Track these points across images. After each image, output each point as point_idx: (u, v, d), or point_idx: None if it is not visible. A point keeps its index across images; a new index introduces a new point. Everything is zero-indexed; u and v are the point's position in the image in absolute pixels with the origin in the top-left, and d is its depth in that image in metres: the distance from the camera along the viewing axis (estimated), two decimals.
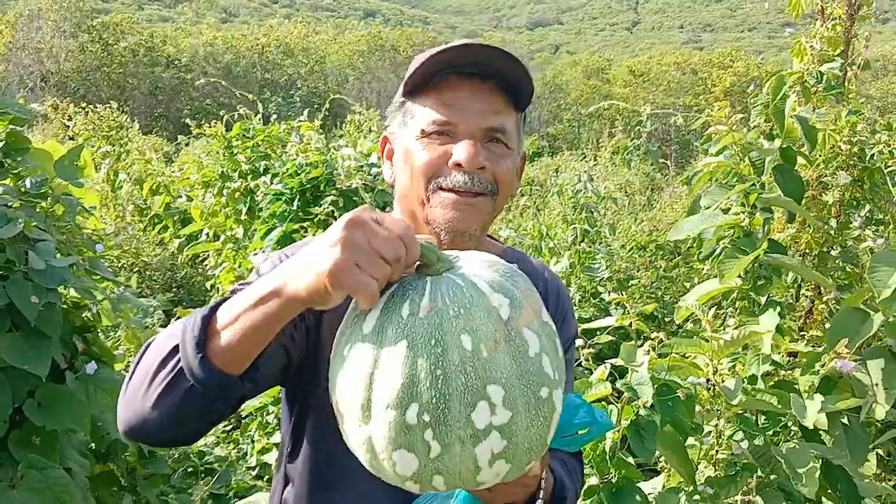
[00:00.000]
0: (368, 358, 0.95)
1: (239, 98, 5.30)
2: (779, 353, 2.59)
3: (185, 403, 1.03)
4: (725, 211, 2.64)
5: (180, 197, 7.48)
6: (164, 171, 8.17)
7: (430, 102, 1.30)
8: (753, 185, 2.56)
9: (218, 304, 1.06)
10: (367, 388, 0.94)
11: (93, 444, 2.56)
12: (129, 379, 1.09)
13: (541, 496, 1.23)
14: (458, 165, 1.27)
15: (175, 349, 1.04)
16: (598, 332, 2.44)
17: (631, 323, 2.30)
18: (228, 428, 4.24)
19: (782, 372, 2.57)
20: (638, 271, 5.66)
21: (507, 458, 0.95)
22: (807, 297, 4.08)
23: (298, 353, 1.26)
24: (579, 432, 1.15)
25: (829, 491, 2.25)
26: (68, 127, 9.90)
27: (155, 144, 14.84)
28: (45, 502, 2.06)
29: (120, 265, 6.65)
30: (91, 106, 9.87)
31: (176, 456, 3.61)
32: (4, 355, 2.06)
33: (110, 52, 26.23)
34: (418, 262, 1.00)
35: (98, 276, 2.57)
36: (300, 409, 1.36)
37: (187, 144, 13.35)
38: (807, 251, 4.13)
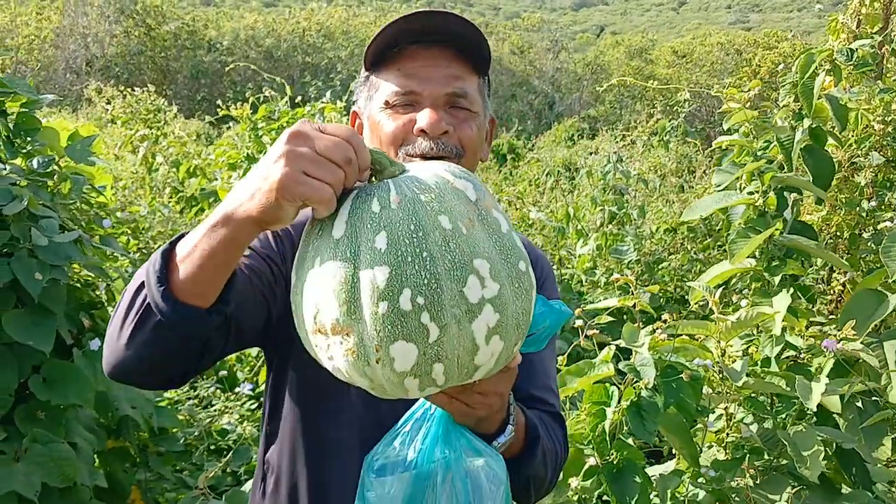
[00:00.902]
0: (347, 260, 0.93)
1: (278, 81, 5.31)
2: (799, 335, 2.53)
3: (157, 340, 1.03)
4: (741, 191, 2.57)
5: (216, 180, 7.54)
6: (200, 153, 8.25)
7: (391, 74, 1.33)
8: (768, 164, 2.48)
9: (179, 238, 1.06)
10: (352, 289, 0.92)
11: (103, 421, 2.59)
12: (110, 321, 1.10)
13: (511, 421, 1.24)
14: (423, 132, 1.29)
15: (142, 286, 1.05)
16: (600, 313, 2.41)
17: (635, 304, 2.26)
18: (253, 406, 4.28)
19: (803, 354, 2.51)
20: (668, 254, 5.57)
21: (500, 333, 0.95)
22: (838, 280, 3.98)
23: (279, 308, 1.26)
24: (539, 329, 1.13)
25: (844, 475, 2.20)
26: (108, 110, 10.04)
27: (198, 128, 15.01)
28: (49, 476, 2.09)
29: (156, 246, 6.74)
30: (129, 90, 10.00)
31: (196, 433, 3.65)
32: (10, 331, 2.09)
33: (153, 37, 26.55)
34: (371, 171, 1.00)
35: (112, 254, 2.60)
36: (279, 366, 1.38)
37: (228, 128, 13.49)
38: (838, 234, 4.03)
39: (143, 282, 1.04)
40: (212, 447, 3.79)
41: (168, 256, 1.04)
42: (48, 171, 2.35)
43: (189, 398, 4.17)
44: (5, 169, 2.26)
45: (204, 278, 1.02)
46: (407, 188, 0.97)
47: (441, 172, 1.01)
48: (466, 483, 1.15)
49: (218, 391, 4.22)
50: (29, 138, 2.39)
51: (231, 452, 3.40)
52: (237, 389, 4.15)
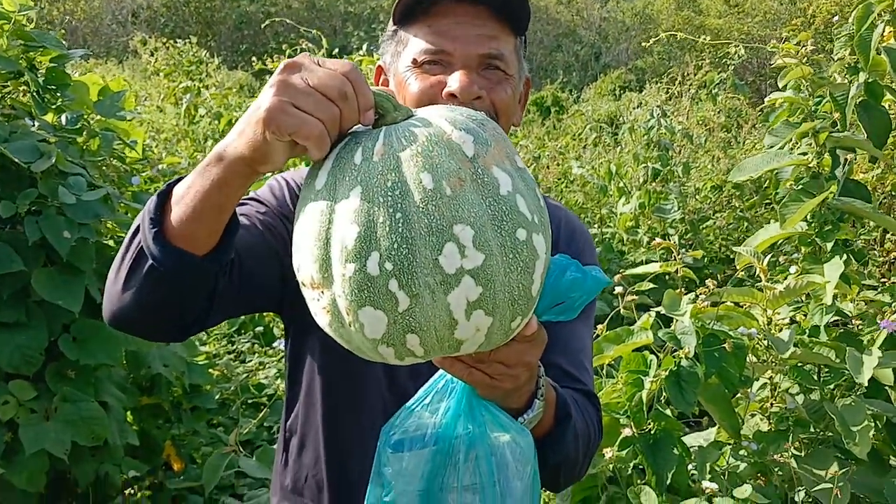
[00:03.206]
0: (323, 214, 0.87)
1: (314, 33, 5.22)
2: (851, 300, 2.42)
3: (151, 287, 0.98)
4: (793, 150, 2.44)
5: None
6: (241, 105, 8.23)
7: (421, 30, 1.23)
8: (824, 122, 2.35)
9: (177, 181, 0.99)
10: (325, 245, 0.86)
11: (135, 378, 2.60)
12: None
13: (540, 396, 1.15)
14: (453, 96, 1.19)
15: (138, 230, 0.99)
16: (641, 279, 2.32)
17: (678, 270, 2.17)
18: None
19: (855, 322, 2.41)
20: (714, 212, 5.42)
21: (485, 308, 0.86)
22: (892, 242, 3.82)
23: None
24: (572, 297, 1.03)
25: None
26: (151, 62, 10.06)
27: (241, 79, 15.00)
28: (78, 434, 2.10)
29: None
30: (172, 41, 9.99)
31: (232, 388, 3.66)
32: (39, 290, 2.08)
33: None
34: (375, 115, 0.91)
35: None
36: (295, 331, 1.34)
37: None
38: (893, 192, 3.85)
39: (139, 225, 0.99)
40: (249, 402, 3.81)
41: (165, 198, 0.98)
42: (77, 127, 2.31)
43: (227, 352, 4.19)
44: (34, 125, 2.23)
45: (197, 221, 0.95)
46: (396, 139, 0.88)
47: (440, 121, 0.91)
48: (491, 460, 1.09)
49: (255, 346, 4.23)
50: (59, 94, 2.35)
51: (267, 408, 3.41)
52: (274, 344, 4.16)
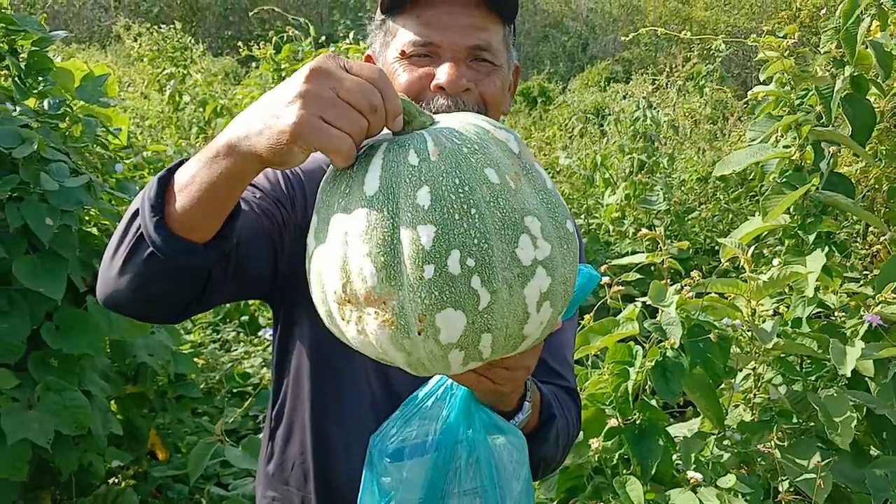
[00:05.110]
0: (382, 220, 0.83)
1: (302, 21, 5.19)
2: (834, 293, 2.44)
3: (149, 272, 0.97)
4: (777, 143, 2.45)
5: None
6: (227, 93, 8.17)
7: (409, 21, 1.22)
8: (805, 115, 2.36)
9: (178, 165, 0.97)
10: (391, 251, 0.82)
11: (120, 367, 2.58)
12: (107, 248, 1.04)
13: (528, 398, 1.18)
14: (441, 88, 1.20)
15: (137, 213, 0.98)
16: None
17: (664, 261, 2.17)
18: None
19: (837, 314, 2.42)
20: (699, 204, 5.44)
21: (551, 298, 0.87)
22: (874, 234, 3.84)
23: (286, 255, 1.19)
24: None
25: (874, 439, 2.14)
26: (135, 48, 9.95)
27: (226, 66, 14.87)
28: (62, 423, 2.08)
29: None
30: (156, 26, 9.89)
31: (217, 377, 3.65)
32: (20, 277, 2.06)
33: None
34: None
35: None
36: (285, 319, 1.33)
37: (256, 67, 13.33)
38: (876, 186, 3.88)
39: (137, 209, 0.97)
40: (234, 391, 3.79)
41: (165, 183, 0.96)
42: (60, 112, 2.28)
43: (213, 341, 4.17)
44: (15, 110, 2.20)
45: (201, 212, 0.94)
46: (446, 139, 0.86)
47: (478, 122, 0.91)
48: (491, 463, 1.10)
49: (241, 335, 4.22)
50: (41, 78, 2.32)
51: (252, 397, 3.40)
52: (259, 333, 4.14)
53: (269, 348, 4.05)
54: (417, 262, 0.81)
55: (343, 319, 0.88)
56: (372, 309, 0.84)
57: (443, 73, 1.19)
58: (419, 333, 0.83)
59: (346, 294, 0.85)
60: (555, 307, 0.88)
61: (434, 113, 1.18)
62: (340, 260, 0.85)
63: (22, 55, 2.32)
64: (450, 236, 0.81)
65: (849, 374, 1.96)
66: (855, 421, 1.96)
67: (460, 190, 0.83)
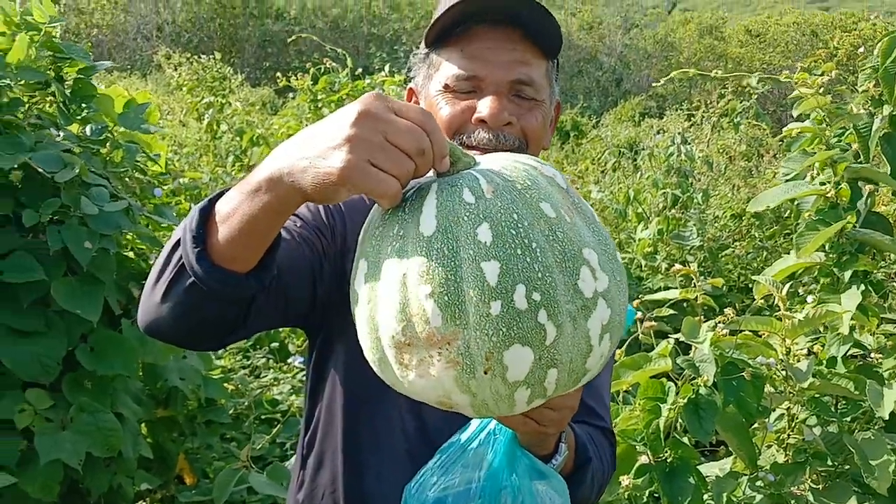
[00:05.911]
0: (443, 259, 0.82)
1: (340, 52, 5.27)
2: (870, 333, 2.39)
3: (190, 301, 0.98)
4: (813, 180, 2.43)
5: None
6: (264, 122, 8.28)
7: (453, 55, 1.23)
8: (841, 152, 2.34)
9: (219, 195, 0.98)
10: (455, 290, 0.81)
11: (151, 391, 2.60)
12: (149, 275, 1.05)
13: (563, 439, 1.17)
14: (483, 122, 1.20)
15: (178, 244, 0.98)
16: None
17: (697, 297, 2.15)
18: (304, 379, 4.26)
19: (874, 355, 2.38)
20: (733, 241, 5.39)
21: (611, 331, 0.87)
22: None
23: (326, 284, 1.19)
24: None
25: None
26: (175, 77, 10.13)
27: (263, 96, 15.08)
28: (94, 445, 2.10)
29: None
30: (196, 56, 10.07)
31: (246, 403, 3.66)
32: (58, 299, 2.09)
33: (223, 4, 26.77)
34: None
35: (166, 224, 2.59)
36: (322, 347, 1.32)
37: (293, 97, 13.49)
38: None
39: (179, 238, 0.98)
40: (262, 417, 3.80)
41: (206, 214, 0.97)
42: (101, 138, 2.33)
43: (242, 367, 4.19)
44: (59, 135, 2.26)
45: (242, 244, 0.94)
46: (496, 177, 0.86)
47: (523, 160, 0.91)
48: None
49: (270, 361, 4.23)
50: (84, 105, 2.37)
51: (280, 424, 3.40)
52: (289, 360, 4.16)
53: (298, 375, 4.08)
54: (483, 299, 0.81)
55: (401, 365, 0.86)
56: (435, 350, 0.83)
57: (485, 106, 1.20)
58: (485, 373, 0.82)
59: (405, 337, 0.84)
60: (613, 340, 0.88)
61: (475, 146, 1.20)
62: (399, 303, 0.84)
63: (67, 82, 2.37)
64: (514, 271, 0.81)
65: (886, 417, 1.92)
66: (893, 465, 1.92)
67: (520, 225, 0.83)
